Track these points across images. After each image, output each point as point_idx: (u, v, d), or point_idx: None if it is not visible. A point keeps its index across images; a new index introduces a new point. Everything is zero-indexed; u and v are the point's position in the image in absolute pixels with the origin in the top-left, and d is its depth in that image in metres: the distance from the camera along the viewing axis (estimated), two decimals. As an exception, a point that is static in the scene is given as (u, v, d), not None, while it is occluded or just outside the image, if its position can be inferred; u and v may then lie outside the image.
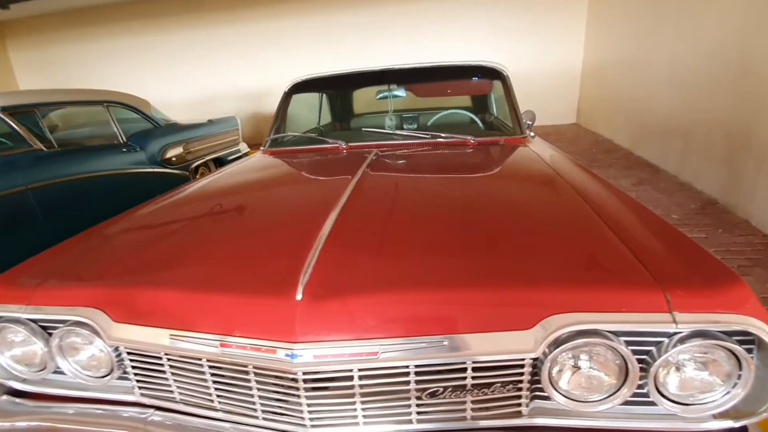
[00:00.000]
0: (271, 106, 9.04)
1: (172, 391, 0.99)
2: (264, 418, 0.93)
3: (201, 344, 0.88)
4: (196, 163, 4.73)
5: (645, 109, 5.05)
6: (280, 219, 1.33)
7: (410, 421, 0.88)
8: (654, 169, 4.38)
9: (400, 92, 2.54)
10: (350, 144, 2.13)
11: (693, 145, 3.81)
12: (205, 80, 8.69)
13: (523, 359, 0.81)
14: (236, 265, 1.03)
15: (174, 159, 4.31)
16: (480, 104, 2.76)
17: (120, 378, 1.04)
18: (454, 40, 8.10)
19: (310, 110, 3.11)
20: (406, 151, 2.01)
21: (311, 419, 0.88)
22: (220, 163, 5.37)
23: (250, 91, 8.62)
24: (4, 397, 1.12)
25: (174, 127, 4.56)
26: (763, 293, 1.97)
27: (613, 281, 0.84)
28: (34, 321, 1.02)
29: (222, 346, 0.86)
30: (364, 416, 0.88)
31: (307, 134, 2.46)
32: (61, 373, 1.06)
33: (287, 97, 2.63)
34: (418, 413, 0.88)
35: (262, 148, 2.43)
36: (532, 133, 2.27)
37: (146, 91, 5.17)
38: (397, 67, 2.40)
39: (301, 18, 8.28)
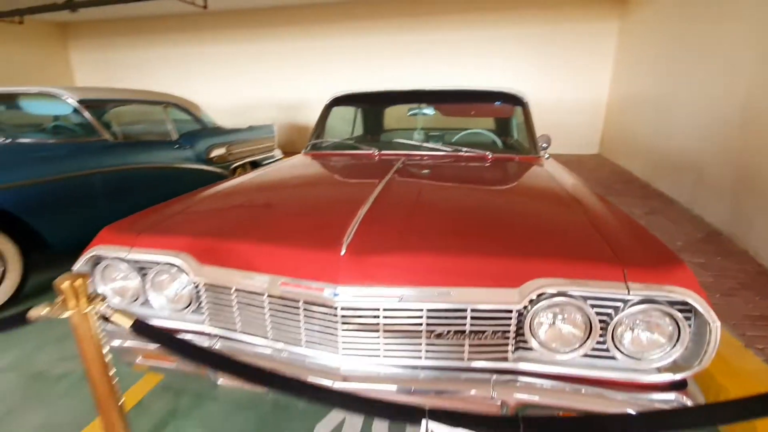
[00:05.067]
0: (305, 117, 9.53)
1: (235, 322, 1.27)
2: (306, 346, 1.19)
3: (265, 282, 1.16)
4: (236, 164, 5.13)
5: (663, 144, 5.24)
6: (327, 199, 1.64)
7: (419, 357, 1.13)
8: (668, 201, 4.53)
9: (429, 110, 2.84)
10: (381, 152, 2.43)
11: (705, 180, 3.98)
12: (246, 90, 9.28)
13: (510, 310, 1.05)
14: (295, 228, 1.32)
15: (217, 158, 4.72)
16: (500, 126, 3.03)
17: (194, 312, 1.33)
18: (487, 69, 8.46)
19: (344, 122, 3.45)
20: (429, 161, 2.29)
21: (343, 348, 1.14)
22: (256, 166, 5.77)
23: (286, 102, 9.14)
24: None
25: (219, 130, 4.99)
26: (746, 311, 2.14)
27: (584, 258, 1.09)
28: (134, 261, 1.32)
29: (282, 285, 1.14)
30: (385, 349, 1.14)
31: (345, 141, 2.78)
32: (148, 305, 1.35)
33: (328, 108, 2.97)
34: (427, 351, 1.13)
35: (303, 150, 2.76)
36: (546, 155, 2.52)
37: (193, 96, 5.65)
38: (429, 88, 2.71)
39: (338, 38, 8.81)
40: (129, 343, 1.36)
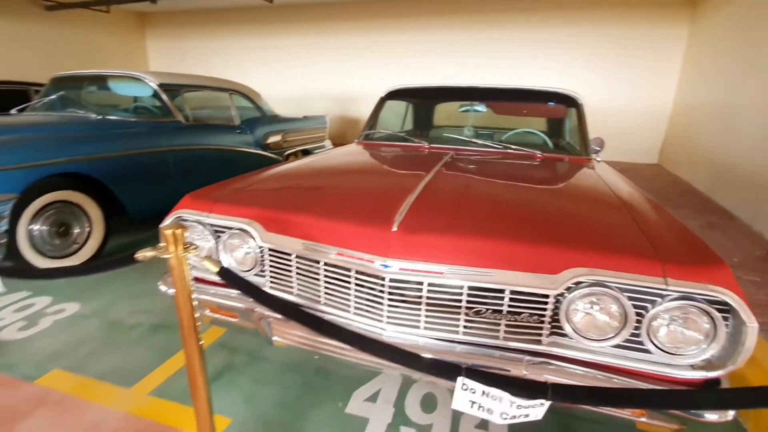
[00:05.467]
0: (356, 110, 9.73)
1: (292, 286, 1.42)
2: (354, 313, 1.32)
3: (323, 251, 1.30)
4: (289, 152, 5.40)
5: (727, 157, 4.93)
6: (380, 183, 1.76)
7: (457, 332, 1.23)
8: (728, 216, 4.28)
9: (481, 107, 2.89)
10: (432, 145, 2.52)
11: (770, 197, 3.74)
12: (303, 81, 9.64)
13: (547, 295, 1.12)
14: (351, 206, 1.44)
15: (273, 145, 5.00)
16: (552, 127, 3.02)
17: (257, 275, 1.49)
18: (544, 68, 8.27)
19: (396, 116, 3.56)
20: (478, 156, 2.35)
21: (388, 317, 1.26)
22: (307, 154, 6.04)
23: (339, 95, 9.41)
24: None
25: (276, 118, 5.27)
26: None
27: (624, 251, 1.13)
28: (210, 225, 1.51)
29: (338, 254, 1.27)
30: (425, 322, 1.24)
31: (397, 133, 2.88)
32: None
33: (383, 101, 3.09)
34: (465, 327, 1.22)
35: (356, 140, 2.90)
36: (598, 158, 2.50)
37: (252, 85, 5.98)
38: (484, 85, 2.76)
39: (393, 34, 8.92)
40: (200, 296, 1.56)
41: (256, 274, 1.50)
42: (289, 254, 1.38)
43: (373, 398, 1.74)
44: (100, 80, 3.86)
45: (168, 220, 1.53)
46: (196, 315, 1.07)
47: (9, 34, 7.80)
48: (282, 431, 1.56)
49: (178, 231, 0.97)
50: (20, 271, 1.26)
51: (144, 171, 3.24)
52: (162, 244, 1.00)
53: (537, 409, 0.81)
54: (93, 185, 2.92)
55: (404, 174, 1.89)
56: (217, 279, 1.49)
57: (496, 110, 2.99)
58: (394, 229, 1.24)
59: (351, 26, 9.10)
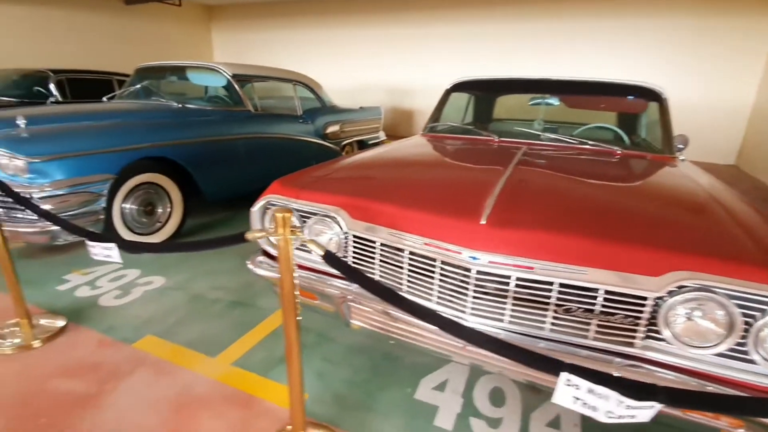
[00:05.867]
0: (411, 102, 9.66)
1: (374, 272, 1.47)
2: (437, 302, 1.35)
3: (410, 240, 1.33)
4: (345, 142, 5.51)
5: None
6: (460, 176, 1.77)
7: (543, 329, 1.22)
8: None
9: (554, 101, 2.80)
10: (501, 139, 2.48)
11: None
12: (358, 72, 9.75)
13: (646, 297, 1.09)
14: (435, 197, 1.47)
15: (331, 135, 5.12)
16: (630, 122, 2.87)
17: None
18: (615, 60, 7.83)
19: (457, 109, 3.52)
20: (552, 152, 2.29)
21: (472, 308, 1.28)
22: (362, 145, 6.13)
23: (393, 86, 9.43)
24: (260, 257, 1.73)
25: (335, 109, 5.39)
26: None
27: (733, 256, 1.08)
28: (297, 210, 1.59)
29: (426, 244, 1.30)
30: (511, 316, 1.25)
31: (464, 125, 2.86)
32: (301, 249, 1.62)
33: (448, 92, 3.07)
34: (552, 324, 1.21)
35: (422, 132, 2.91)
36: (682, 156, 2.36)
37: (311, 75, 6.13)
38: (557, 78, 2.67)
39: (453, 26, 8.77)
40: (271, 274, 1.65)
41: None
42: (374, 242, 1.43)
43: (440, 387, 1.77)
44: (180, 70, 4.12)
45: (258, 205, 1.63)
46: (297, 298, 1.14)
47: (92, 26, 8.47)
48: (355, 409, 1.63)
49: (287, 215, 1.04)
50: (140, 245, 1.39)
51: (218, 157, 3.44)
52: (268, 227, 1.08)
53: (646, 411, 0.80)
54: (175, 169, 3.15)
55: (481, 167, 1.88)
56: (303, 262, 1.58)
57: (569, 104, 2.88)
58: (483, 221, 1.25)
59: (406, 17, 9.04)
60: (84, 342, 2.01)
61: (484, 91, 3.29)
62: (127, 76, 6.44)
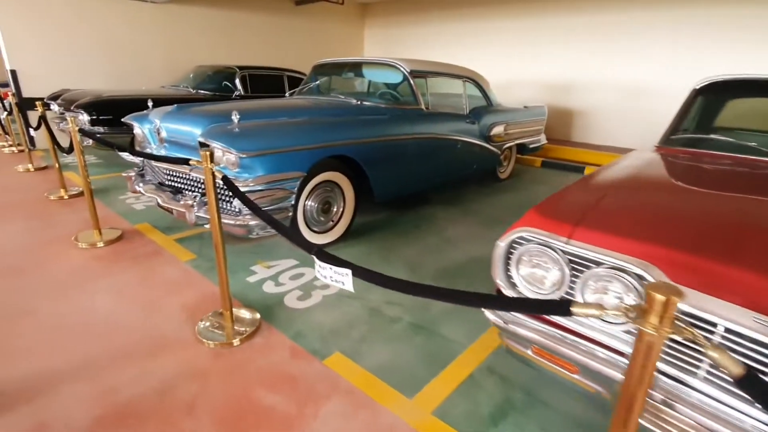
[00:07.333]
0: (575, 101, 8.55)
1: (698, 368, 1.01)
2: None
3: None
4: (507, 145, 4.99)
5: None
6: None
7: None
8: None
9: None
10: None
11: None
12: (513, 66, 9.03)
13: None
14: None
15: (495, 137, 4.66)
16: None
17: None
18: None
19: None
20: None
21: None
22: (521, 148, 5.53)
23: (553, 82, 8.49)
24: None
25: (500, 108, 4.89)
26: None
27: None
28: (567, 253, 1.21)
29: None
30: None
31: (740, 141, 2.13)
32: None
33: (695, 95, 2.38)
34: None
35: (659, 143, 2.28)
36: None
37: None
38: None
39: (619, 12, 7.45)
40: (527, 333, 1.29)
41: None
42: (713, 324, 0.96)
43: None
44: (356, 67, 4.09)
45: (507, 239, 1.29)
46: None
47: (267, 26, 9.34)
48: None
49: (674, 298, 0.65)
50: (376, 276, 1.16)
51: (390, 156, 3.27)
52: (636, 305, 0.70)
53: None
54: (351, 167, 3.06)
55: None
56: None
57: None
58: None
59: (571, 5, 7.98)
60: (277, 347, 1.95)
61: (746, 95, 2.48)
62: (295, 72, 6.89)
